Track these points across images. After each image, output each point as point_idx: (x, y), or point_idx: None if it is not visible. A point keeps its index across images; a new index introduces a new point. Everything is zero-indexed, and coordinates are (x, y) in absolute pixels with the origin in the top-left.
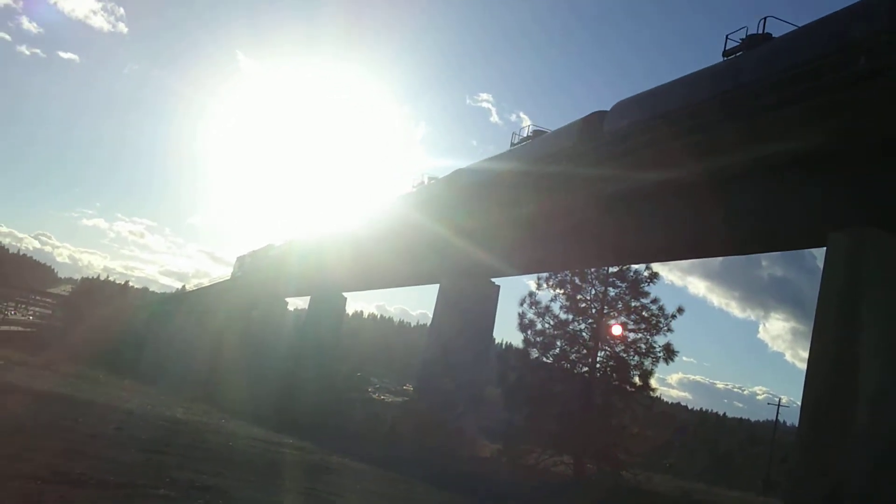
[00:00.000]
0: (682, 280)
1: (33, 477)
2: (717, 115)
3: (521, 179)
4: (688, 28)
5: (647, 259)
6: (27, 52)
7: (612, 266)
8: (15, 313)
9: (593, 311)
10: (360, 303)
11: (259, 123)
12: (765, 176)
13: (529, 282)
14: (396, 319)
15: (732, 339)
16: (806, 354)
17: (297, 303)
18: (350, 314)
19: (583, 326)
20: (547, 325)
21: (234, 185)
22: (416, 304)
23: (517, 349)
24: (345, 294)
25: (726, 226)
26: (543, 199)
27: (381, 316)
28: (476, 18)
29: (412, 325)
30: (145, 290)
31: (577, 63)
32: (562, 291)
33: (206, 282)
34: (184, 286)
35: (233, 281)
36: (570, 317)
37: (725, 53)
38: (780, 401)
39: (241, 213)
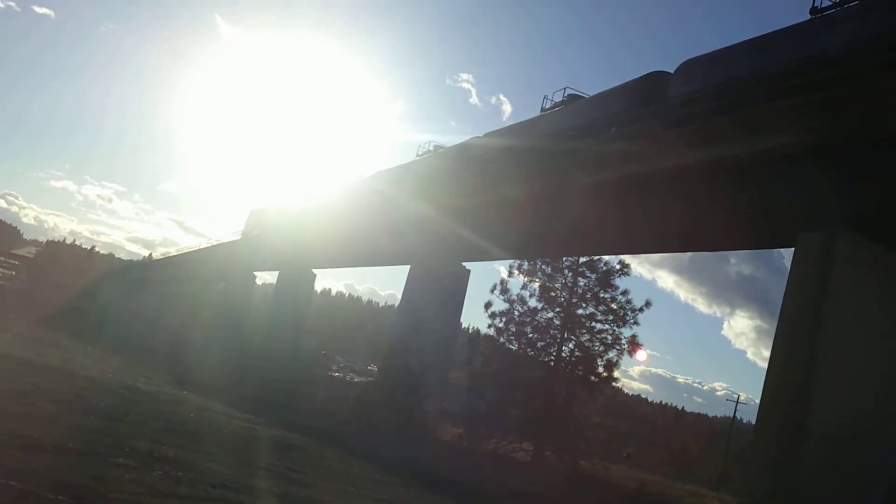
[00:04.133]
0: (651, 273)
1: None
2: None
3: (504, 162)
4: (681, 15)
5: (625, 251)
6: (1, 5)
7: (587, 255)
8: None
9: (562, 300)
10: (328, 280)
11: (237, 92)
12: (738, 175)
13: (500, 268)
14: (365, 299)
15: (696, 334)
16: (768, 353)
17: (265, 277)
18: (318, 291)
19: (551, 315)
20: (517, 313)
21: (209, 153)
22: (385, 284)
23: (486, 335)
24: (314, 271)
25: (695, 222)
26: (527, 183)
27: (350, 294)
28: None
29: (381, 306)
30: (111, 256)
31: (561, 48)
32: (532, 279)
33: (173, 251)
34: (150, 254)
35: (239, 243)
36: (540, 305)
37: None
38: (738, 398)
39: (215, 182)
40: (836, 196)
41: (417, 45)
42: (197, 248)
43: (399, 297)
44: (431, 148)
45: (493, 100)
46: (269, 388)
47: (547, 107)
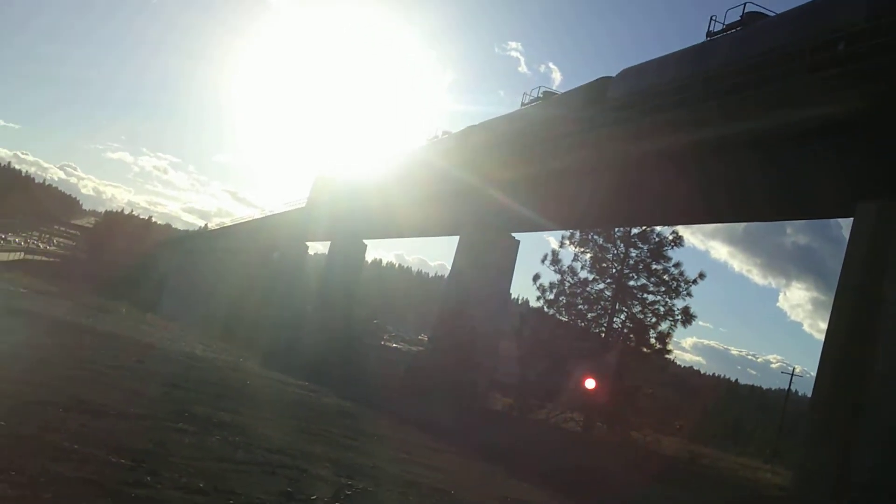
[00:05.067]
0: (704, 244)
1: (55, 404)
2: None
3: (554, 132)
4: None
5: (676, 221)
6: None
7: (640, 226)
8: (39, 244)
9: (614, 271)
10: (379, 251)
11: (288, 64)
12: (796, 142)
13: (550, 238)
14: (415, 270)
15: (751, 306)
16: (825, 326)
17: (317, 247)
18: (369, 262)
19: (602, 286)
20: (567, 284)
21: (261, 124)
22: (434, 255)
23: (536, 307)
24: (365, 241)
25: (757, 190)
26: (579, 152)
27: (400, 265)
28: None
29: (430, 276)
30: (168, 226)
31: (609, 14)
32: (584, 250)
33: (228, 221)
34: (206, 224)
35: (292, 213)
36: (592, 276)
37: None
38: (793, 370)
39: (267, 153)
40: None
41: (466, 14)
42: (251, 219)
43: (448, 267)
44: (542, 94)
45: (543, 68)
46: (323, 356)
47: (715, 29)
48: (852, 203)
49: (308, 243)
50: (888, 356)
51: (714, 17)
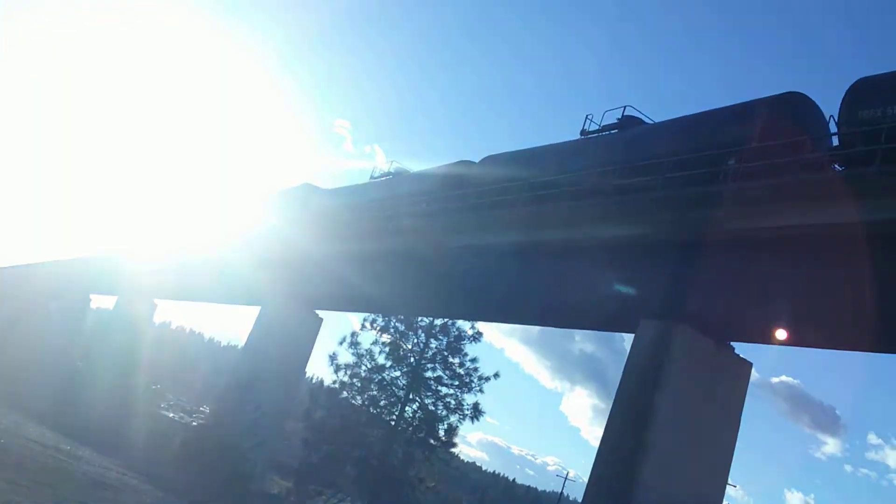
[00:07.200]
0: (500, 342)
1: None
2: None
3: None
4: (569, 86)
5: (475, 317)
6: None
7: (428, 317)
8: None
9: (412, 360)
10: (171, 312)
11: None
12: (591, 256)
13: (354, 319)
14: (207, 336)
15: (537, 406)
16: (600, 433)
17: (102, 301)
18: (158, 323)
19: (398, 374)
20: (364, 368)
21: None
22: (231, 323)
23: (329, 387)
24: (156, 301)
25: (545, 297)
26: (378, 241)
27: (192, 330)
28: (342, 43)
29: (223, 345)
30: None
31: (442, 107)
32: (384, 336)
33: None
34: None
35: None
36: (389, 363)
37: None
38: (567, 474)
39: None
40: (677, 288)
41: (297, 86)
42: (27, 264)
43: (243, 338)
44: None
45: (368, 149)
46: (91, 418)
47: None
48: (635, 319)
49: (92, 296)
50: (655, 468)
51: (590, 117)
